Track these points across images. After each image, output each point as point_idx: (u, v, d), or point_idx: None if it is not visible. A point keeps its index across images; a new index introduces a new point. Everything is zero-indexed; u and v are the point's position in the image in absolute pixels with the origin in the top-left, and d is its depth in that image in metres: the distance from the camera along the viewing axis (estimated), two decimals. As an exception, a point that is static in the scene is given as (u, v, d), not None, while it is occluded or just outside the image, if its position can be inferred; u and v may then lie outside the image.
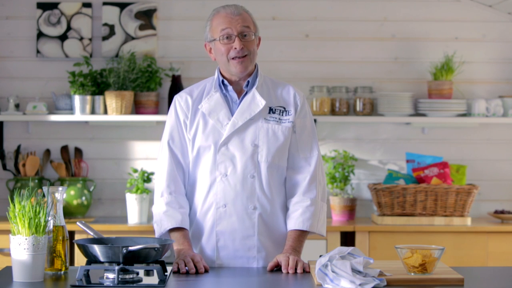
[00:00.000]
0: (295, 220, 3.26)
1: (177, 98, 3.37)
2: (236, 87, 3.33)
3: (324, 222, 3.33)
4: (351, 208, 5.28)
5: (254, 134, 3.27)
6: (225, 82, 3.32)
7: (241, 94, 3.32)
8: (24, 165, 5.27)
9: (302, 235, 3.27)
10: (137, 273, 2.91)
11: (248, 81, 3.31)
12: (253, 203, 3.25)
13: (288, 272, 3.07)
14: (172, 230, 3.25)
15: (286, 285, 2.94)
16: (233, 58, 3.24)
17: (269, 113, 3.31)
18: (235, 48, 3.23)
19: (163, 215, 3.26)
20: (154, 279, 2.91)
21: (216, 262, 3.26)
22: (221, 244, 3.26)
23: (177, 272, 3.07)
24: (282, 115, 3.32)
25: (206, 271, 3.10)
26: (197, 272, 3.06)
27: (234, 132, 3.26)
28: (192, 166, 3.32)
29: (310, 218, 3.26)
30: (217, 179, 3.26)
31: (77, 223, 3.18)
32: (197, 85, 3.40)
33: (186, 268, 3.06)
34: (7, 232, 3.12)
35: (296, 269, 3.08)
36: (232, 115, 3.28)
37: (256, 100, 3.29)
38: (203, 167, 3.29)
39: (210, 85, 3.36)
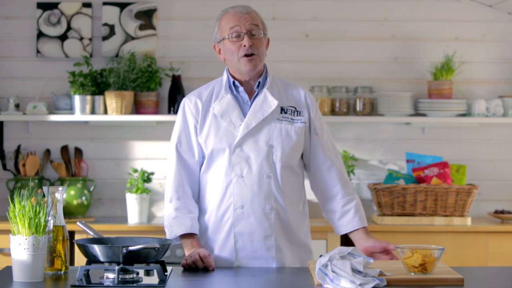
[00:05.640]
0: (355, 221, 3.35)
1: (186, 101, 3.36)
2: (246, 88, 3.32)
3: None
4: (351, 208, 5.27)
5: (268, 135, 3.27)
6: (236, 83, 3.32)
7: (252, 95, 3.32)
8: (24, 165, 5.28)
9: (365, 229, 3.36)
10: (137, 273, 2.91)
11: (259, 82, 3.31)
12: (270, 203, 3.26)
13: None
14: (182, 236, 3.27)
15: (286, 285, 2.95)
16: (242, 57, 3.24)
17: (281, 113, 3.31)
18: (244, 46, 3.23)
19: (173, 221, 3.28)
20: (154, 279, 2.91)
21: (234, 264, 3.27)
22: (239, 245, 3.27)
23: (185, 267, 3.12)
24: (294, 115, 3.32)
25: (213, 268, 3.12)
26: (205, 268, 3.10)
27: (248, 133, 3.25)
28: (204, 169, 3.32)
29: (362, 213, 3.38)
30: (233, 180, 3.25)
31: (77, 223, 3.18)
32: (206, 87, 3.39)
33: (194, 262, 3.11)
34: (7, 232, 3.12)
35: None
36: (245, 116, 3.28)
37: (268, 101, 3.29)
38: (217, 169, 3.28)
39: (219, 86, 3.35)
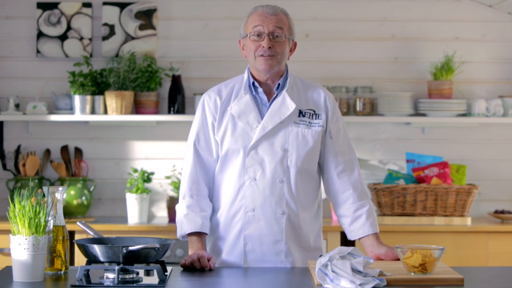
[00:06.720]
0: (366, 226, 3.30)
1: (205, 98, 3.33)
2: (266, 89, 3.30)
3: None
4: (351, 208, 5.27)
5: (284, 138, 3.25)
6: (256, 83, 3.29)
7: (271, 96, 3.30)
8: (24, 165, 5.27)
9: (376, 235, 3.30)
10: (137, 273, 2.91)
11: (279, 84, 3.29)
12: (282, 207, 3.24)
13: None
14: (191, 233, 3.26)
15: (286, 285, 2.94)
16: (259, 56, 3.23)
17: (299, 116, 3.28)
18: (263, 47, 3.22)
19: (184, 218, 3.27)
20: (154, 279, 2.91)
21: (243, 266, 3.26)
22: (249, 248, 3.26)
23: (184, 267, 3.11)
24: (312, 118, 3.29)
25: (210, 269, 3.11)
26: (202, 269, 3.10)
27: (263, 136, 3.23)
28: (218, 169, 3.30)
29: (375, 219, 3.32)
30: (246, 183, 3.24)
31: (77, 223, 3.18)
32: (226, 84, 3.36)
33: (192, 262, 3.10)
34: (7, 232, 3.12)
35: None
36: (262, 117, 3.25)
37: (286, 103, 3.26)
38: (231, 171, 3.27)
39: (239, 85, 3.32)
